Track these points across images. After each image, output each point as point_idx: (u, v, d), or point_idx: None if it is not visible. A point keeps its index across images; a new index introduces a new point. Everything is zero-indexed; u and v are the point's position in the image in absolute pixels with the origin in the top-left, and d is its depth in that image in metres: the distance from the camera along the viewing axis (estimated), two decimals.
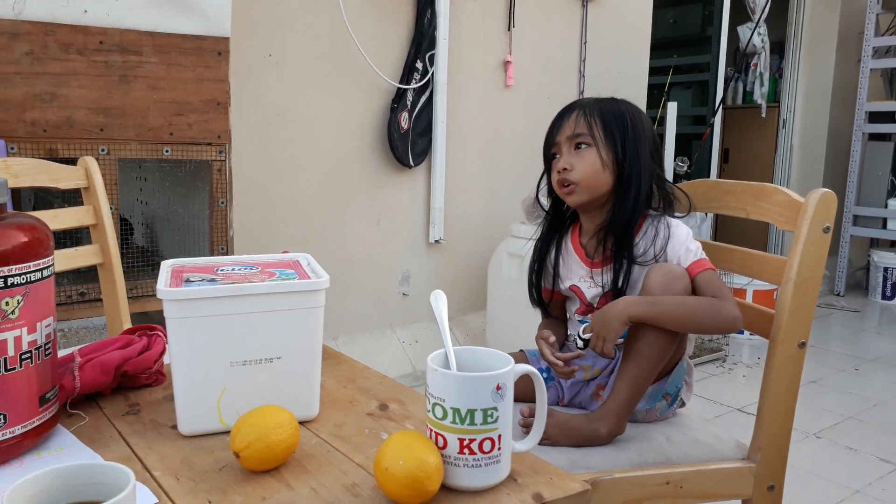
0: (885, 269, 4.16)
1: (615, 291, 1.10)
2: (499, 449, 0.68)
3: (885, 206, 4.21)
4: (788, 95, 4.50)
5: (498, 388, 0.67)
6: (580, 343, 1.07)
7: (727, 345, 3.15)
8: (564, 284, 1.19)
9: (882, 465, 2.06)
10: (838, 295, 4.29)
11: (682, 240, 1.09)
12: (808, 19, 4.41)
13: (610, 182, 1.10)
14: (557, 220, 1.22)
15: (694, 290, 1.05)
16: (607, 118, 1.10)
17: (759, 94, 4.46)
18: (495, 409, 0.67)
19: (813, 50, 4.43)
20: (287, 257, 0.90)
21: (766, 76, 4.44)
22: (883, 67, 4.23)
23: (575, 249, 1.18)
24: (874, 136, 4.31)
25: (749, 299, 3.19)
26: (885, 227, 4.23)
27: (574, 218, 1.21)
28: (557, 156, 1.13)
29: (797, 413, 1.07)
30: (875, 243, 4.50)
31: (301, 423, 0.79)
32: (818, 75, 4.45)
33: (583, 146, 1.10)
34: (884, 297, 4.17)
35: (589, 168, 1.09)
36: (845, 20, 4.38)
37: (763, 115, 4.52)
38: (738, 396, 2.57)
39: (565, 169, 1.10)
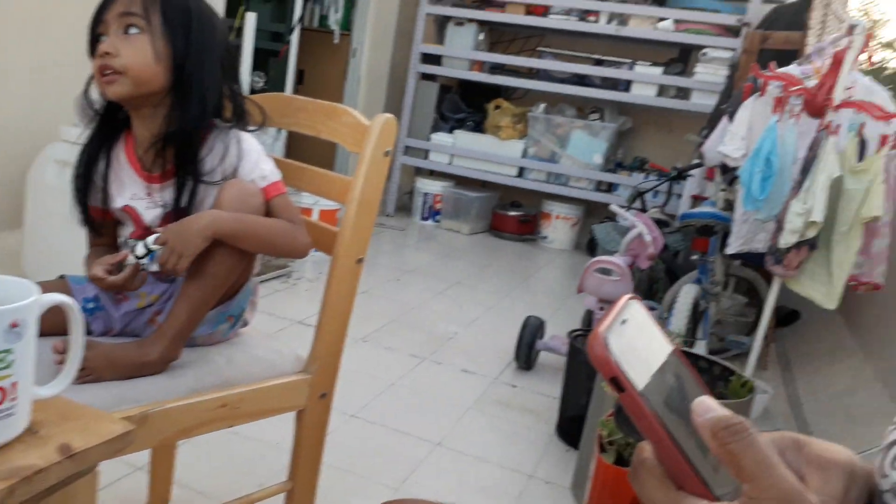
0: (425, 195, 4.86)
1: (178, 212, 1.00)
2: (13, 399, 0.55)
3: (429, 139, 4.88)
4: (359, 26, 4.77)
5: (14, 325, 0.55)
6: (140, 251, 0.92)
7: (292, 261, 3.30)
8: (116, 203, 1.03)
9: (413, 359, 2.44)
10: (388, 216, 4.87)
11: (254, 159, 1.03)
12: None
13: (164, 80, 0.97)
14: (110, 124, 1.05)
15: (267, 213, 1.02)
16: (170, 7, 0.96)
17: (334, 20, 4.63)
18: (8, 351, 0.55)
19: None
20: None
21: (341, 3, 4.63)
22: (435, 13, 4.80)
23: (129, 161, 1.03)
24: (425, 76, 4.90)
25: (315, 217, 3.38)
26: (427, 157, 4.92)
27: (129, 124, 1.05)
28: (104, 37, 0.96)
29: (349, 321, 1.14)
30: (419, 171, 5.21)
31: None
32: (386, 11, 4.81)
33: (134, 30, 0.95)
34: (423, 218, 4.89)
35: (138, 57, 0.94)
36: None
37: (336, 41, 4.72)
38: (300, 310, 2.72)
39: (108, 53, 0.93)
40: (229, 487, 1.46)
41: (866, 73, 2.30)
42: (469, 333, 2.80)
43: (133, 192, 1.03)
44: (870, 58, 2.00)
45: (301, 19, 4.20)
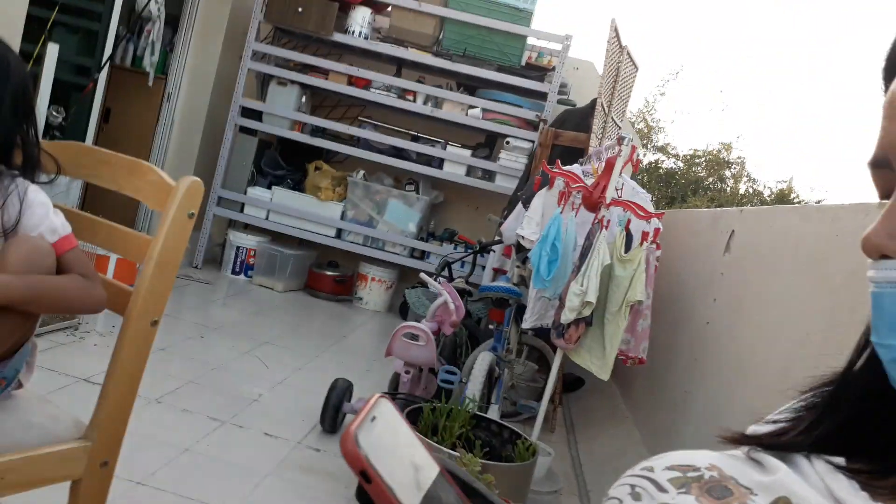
0: (238, 248, 4.73)
1: None
2: None
3: (245, 193, 4.78)
4: (176, 71, 4.63)
5: None
6: None
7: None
8: None
9: (211, 422, 2.33)
10: (196, 267, 4.65)
11: (41, 213, 0.99)
12: (202, 2, 4.62)
13: None
14: None
15: (59, 268, 0.97)
16: None
17: (149, 62, 4.44)
18: None
19: (204, 34, 4.68)
20: None
21: (158, 46, 4.46)
22: (258, 70, 4.79)
23: None
24: (244, 129, 4.84)
25: (111, 269, 3.14)
26: (242, 210, 4.81)
27: None
28: None
29: (141, 380, 1.10)
30: (233, 224, 5.06)
31: None
32: (205, 60, 4.72)
33: None
34: (233, 271, 4.73)
35: None
36: (235, 16, 4.77)
37: (150, 83, 4.52)
38: (87, 367, 2.50)
39: None
40: None
41: (637, 174, 2.69)
42: (275, 395, 2.74)
43: None
44: (636, 165, 2.35)
45: (112, 57, 3.99)
